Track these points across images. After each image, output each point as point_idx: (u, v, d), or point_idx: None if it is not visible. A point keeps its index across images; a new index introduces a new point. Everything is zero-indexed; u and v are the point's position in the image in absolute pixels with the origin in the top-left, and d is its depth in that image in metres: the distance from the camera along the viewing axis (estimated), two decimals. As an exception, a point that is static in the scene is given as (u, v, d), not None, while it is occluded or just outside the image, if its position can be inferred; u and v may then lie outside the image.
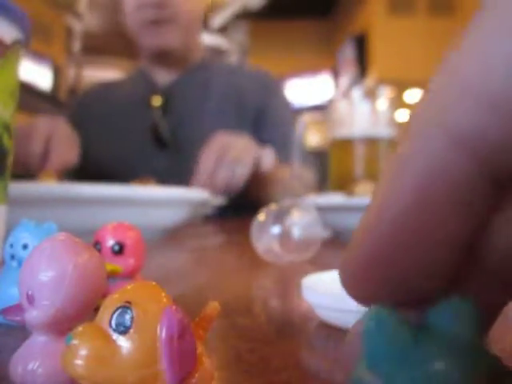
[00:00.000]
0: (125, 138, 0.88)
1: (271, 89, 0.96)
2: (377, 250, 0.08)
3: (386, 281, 0.08)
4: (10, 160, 0.21)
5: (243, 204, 0.79)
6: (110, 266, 0.16)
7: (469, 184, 0.07)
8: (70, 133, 0.75)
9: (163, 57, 0.89)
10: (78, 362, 0.08)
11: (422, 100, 0.08)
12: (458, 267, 0.08)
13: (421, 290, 0.08)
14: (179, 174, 0.70)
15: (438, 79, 0.08)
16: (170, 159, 0.85)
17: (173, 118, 0.88)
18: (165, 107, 0.89)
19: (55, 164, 0.68)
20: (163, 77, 0.93)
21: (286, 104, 0.96)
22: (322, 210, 0.43)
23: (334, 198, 0.48)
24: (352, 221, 0.39)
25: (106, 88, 1.01)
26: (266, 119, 0.91)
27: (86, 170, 0.92)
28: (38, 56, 2.53)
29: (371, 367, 0.08)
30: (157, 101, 0.89)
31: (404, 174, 0.08)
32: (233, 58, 2.88)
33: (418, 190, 0.07)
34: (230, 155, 0.66)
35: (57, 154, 0.68)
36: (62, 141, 0.70)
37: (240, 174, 0.67)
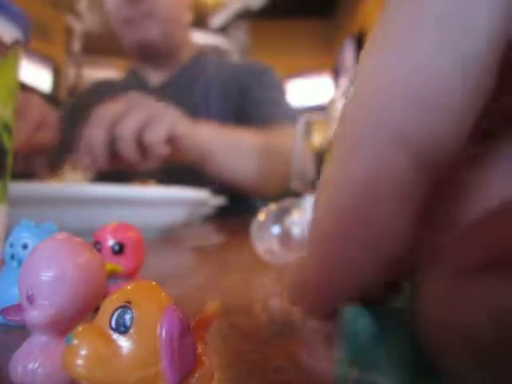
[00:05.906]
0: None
1: (256, 73, 0.92)
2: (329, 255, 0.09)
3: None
4: (10, 160, 0.21)
5: (243, 204, 0.79)
6: (110, 266, 0.16)
7: (406, 176, 0.07)
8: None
9: (147, 53, 0.88)
10: (78, 361, 0.08)
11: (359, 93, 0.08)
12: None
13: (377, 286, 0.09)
14: (172, 173, 0.69)
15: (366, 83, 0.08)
16: None
17: None
18: None
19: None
20: (155, 77, 0.92)
21: (272, 85, 0.90)
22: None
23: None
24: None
25: (101, 86, 1.00)
26: (248, 98, 0.87)
27: None
28: (38, 56, 2.53)
29: (352, 358, 0.08)
30: None
31: (350, 170, 0.08)
32: (233, 58, 2.88)
33: (364, 184, 0.08)
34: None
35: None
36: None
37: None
